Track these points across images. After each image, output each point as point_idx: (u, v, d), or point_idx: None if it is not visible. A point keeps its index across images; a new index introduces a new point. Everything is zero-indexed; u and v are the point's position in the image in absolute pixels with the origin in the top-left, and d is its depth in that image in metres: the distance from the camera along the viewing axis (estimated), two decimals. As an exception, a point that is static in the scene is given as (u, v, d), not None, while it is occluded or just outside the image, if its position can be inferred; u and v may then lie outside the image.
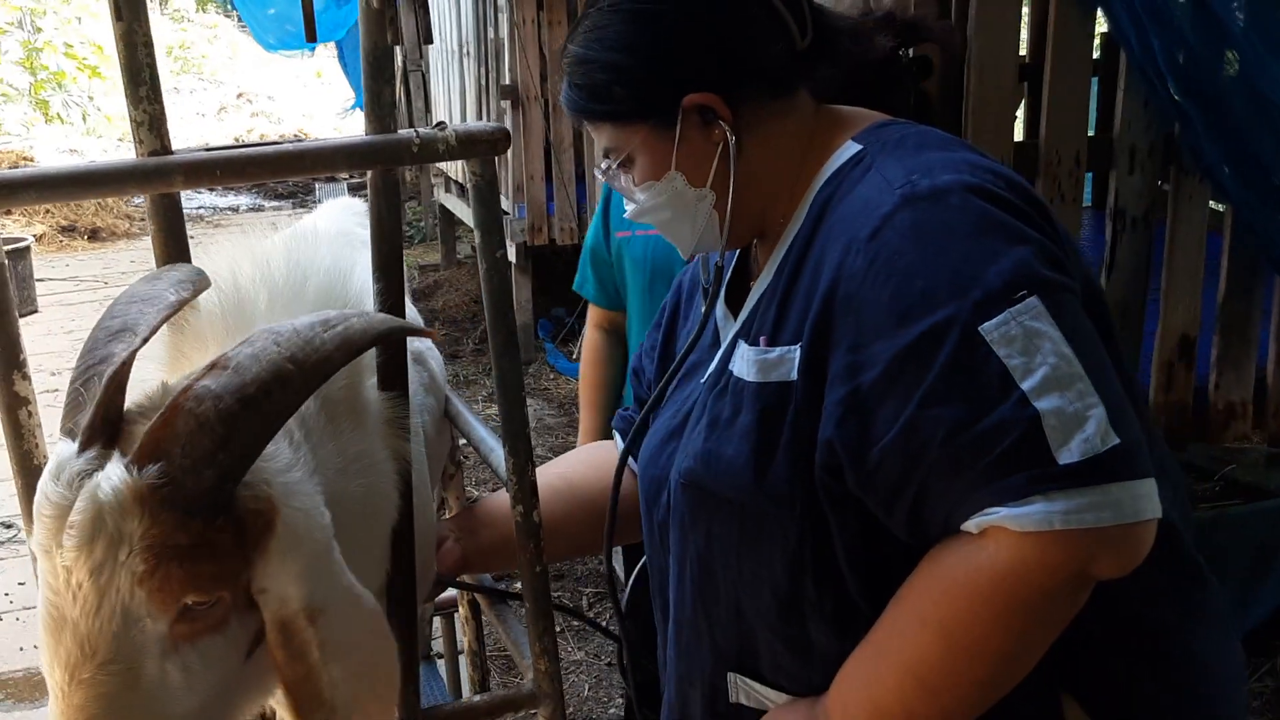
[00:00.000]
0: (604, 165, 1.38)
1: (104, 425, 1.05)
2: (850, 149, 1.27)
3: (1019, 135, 3.59)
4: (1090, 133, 3.42)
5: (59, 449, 1.06)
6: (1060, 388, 1.01)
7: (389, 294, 1.33)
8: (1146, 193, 3.10)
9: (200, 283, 1.22)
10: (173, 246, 1.26)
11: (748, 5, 1.29)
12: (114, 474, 0.99)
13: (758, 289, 1.31)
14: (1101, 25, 3.58)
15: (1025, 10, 5.39)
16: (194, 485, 0.98)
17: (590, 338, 2.74)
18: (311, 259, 1.43)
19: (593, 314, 2.73)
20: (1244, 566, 3.13)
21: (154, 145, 1.19)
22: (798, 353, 1.19)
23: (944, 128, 2.70)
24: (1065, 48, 2.96)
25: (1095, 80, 5.12)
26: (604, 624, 3.33)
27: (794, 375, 1.18)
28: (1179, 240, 3.18)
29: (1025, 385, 1.02)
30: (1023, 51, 5.42)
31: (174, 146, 1.21)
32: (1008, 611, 1.04)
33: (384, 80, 1.25)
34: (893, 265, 1.09)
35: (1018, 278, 1.05)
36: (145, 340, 1.09)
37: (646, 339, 1.65)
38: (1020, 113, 5.03)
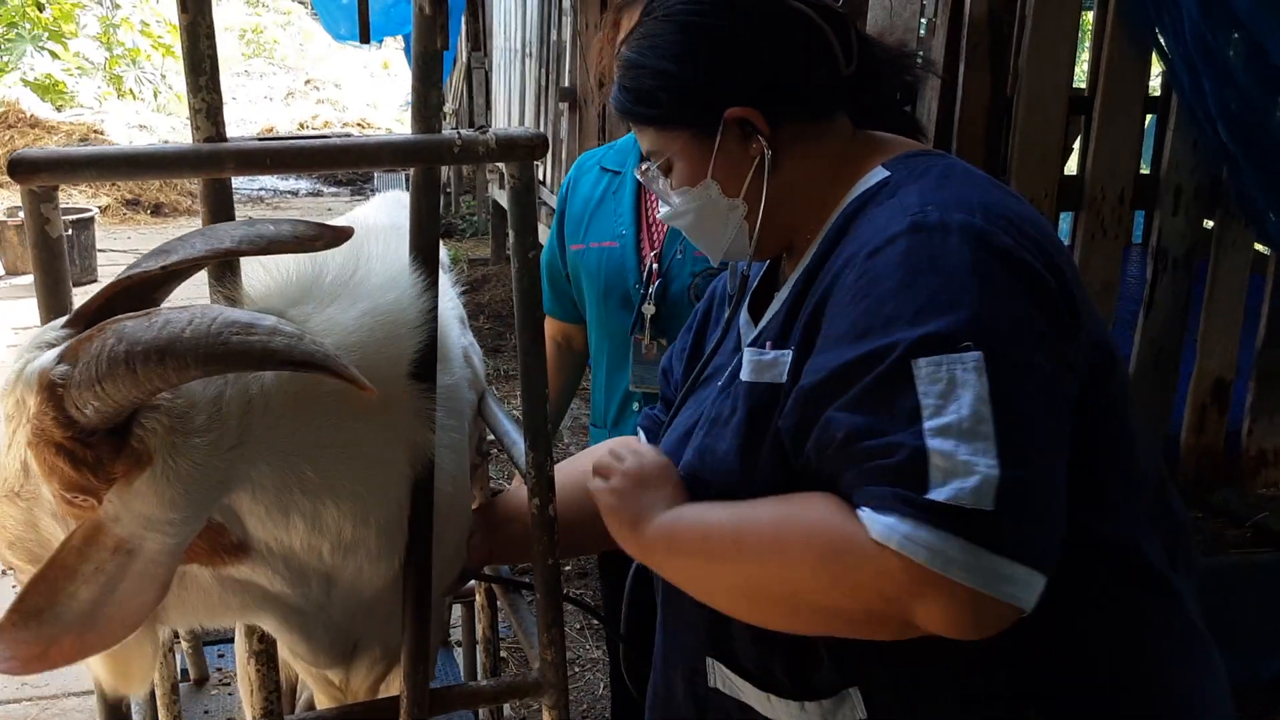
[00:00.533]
0: (644, 167, 1.43)
1: (92, 314, 1.13)
2: (878, 174, 1.31)
3: (1073, 169, 3.60)
4: (1146, 170, 3.41)
5: (62, 319, 1.17)
6: (961, 438, 1.03)
7: (426, 286, 1.37)
8: (1189, 233, 3.09)
9: (276, 243, 1.24)
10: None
11: (796, 29, 1.33)
12: (46, 356, 1.08)
13: (777, 301, 1.36)
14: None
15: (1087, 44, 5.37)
16: (77, 399, 1.05)
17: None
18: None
19: (546, 326, 2.77)
20: (1271, 614, 3.12)
21: (210, 132, 1.25)
22: (789, 357, 1.24)
23: (984, 155, 2.72)
24: (1115, 84, 2.97)
25: (1155, 118, 5.09)
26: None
27: (784, 378, 1.24)
28: (1220, 283, 3.17)
29: (928, 423, 1.05)
30: (1082, 84, 5.40)
31: (242, 129, 1.26)
32: (827, 572, 1.09)
33: (431, 83, 1.30)
34: (874, 286, 1.14)
35: (971, 330, 1.07)
36: (167, 266, 1.15)
37: (677, 341, 1.70)
38: (1077, 146, 5.00)
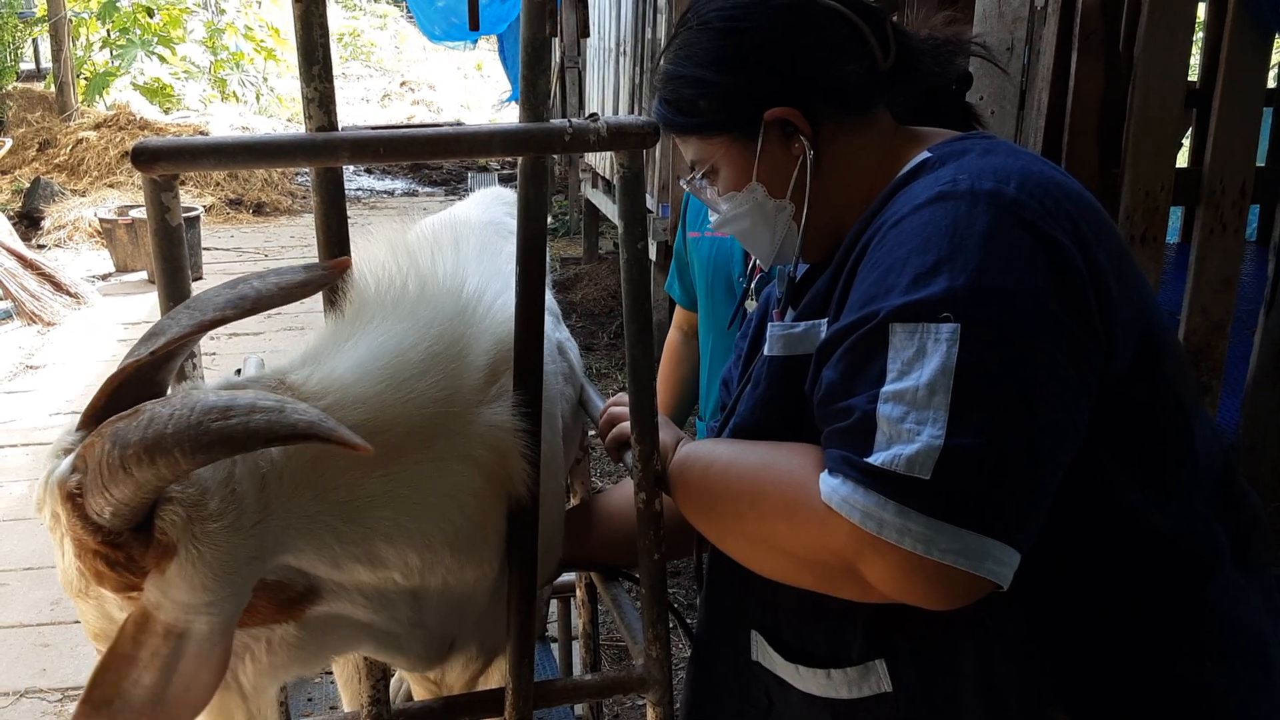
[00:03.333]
0: (690, 177, 1.45)
1: (100, 411, 1.13)
2: (921, 157, 1.30)
3: (1183, 162, 3.48)
4: (1260, 164, 3.29)
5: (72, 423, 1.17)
6: (912, 405, 1.04)
7: (529, 279, 1.36)
8: (1315, 228, 2.97)
9: (263, 300, 1.24)
10: (333, 218, 1.32)
11: (831, 25, 1.33)
12: (63, 466, 1.09)
13: (819, 281, 1.35)
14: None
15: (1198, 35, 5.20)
16: (93, 505, 1.05)
17: (670, 338, 2.82)
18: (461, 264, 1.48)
19: (675, 315, 2.81)
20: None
21: (322, 121, 1.25)
22: (824, 327, 1.25)
23: (1098, 149, 2.63)
24: (1237, 73, 2.86)
25: (1270, 111, 4.90)
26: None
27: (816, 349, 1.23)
28: (1348, 280, 3.04)
29: (886, 387, 1.06)
30: (1193, 78, 5.23)
31: (330, 131, 1.27)
32: (788, 524, 1.15)
33: (540, 70, 1.29)
34: (890, 254, 1.14)
35: (957, 301, 1.06)
36: (157, 351, 1.15)
37: (735, 348, 1.69)
38: (1185, 140, 4.85)
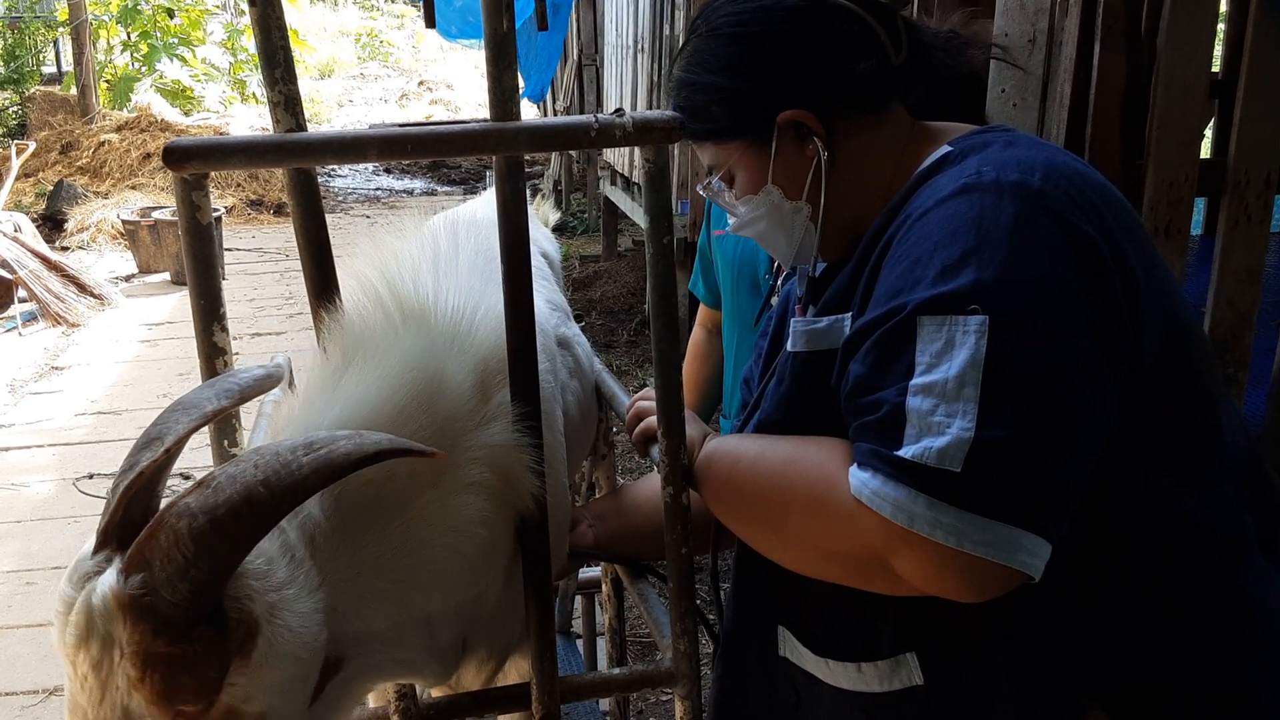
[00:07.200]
0: (707, 182, 1.45)
1: (117, 530, 1.10)
2: (941, 151, 1.30)
3: (1206, 154, 3.46)
4: None
5: (81, 548, 1.12)
6: (941, 398, 1.03)
7: (513, 275, 1.36)
8: (1342, 219, 2.95)
9: (248, 390, 1.26)
10: (310, 221, 1.33)
11: (841, 24, 1.33)
12: (107, 580, 1.04)
13: (840, 277, 1.35)
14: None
15: (1220, 26, 5.15)
16: (170, 596, 1.01)
17: (694, 336, 2.82)
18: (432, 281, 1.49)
19: (699, 313, 2.81)
20: None
21: (290, 124, 1.26)
22: (848, 321, 1.25)
23: (1121, 141, 2.61)
24: (1261, 63, 2.83)
25: (1295, 100, 4.86)
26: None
27: (841, 344, 1.23)
28: (1375, 271, 3.01)
29: (915, 380, 1.06)
30: (1215, 68, 5.19)
31: (359, 128, 1.27)
32: (816, 518, 1.15)
33: (504, 66, 1.28)
34: (916, 247, 1.14)
35: (985, 293, 1.05)
36: (168, 450, 1.13)
37: (755, 347, 1.69)
38: (1209, 131, 4.81)
